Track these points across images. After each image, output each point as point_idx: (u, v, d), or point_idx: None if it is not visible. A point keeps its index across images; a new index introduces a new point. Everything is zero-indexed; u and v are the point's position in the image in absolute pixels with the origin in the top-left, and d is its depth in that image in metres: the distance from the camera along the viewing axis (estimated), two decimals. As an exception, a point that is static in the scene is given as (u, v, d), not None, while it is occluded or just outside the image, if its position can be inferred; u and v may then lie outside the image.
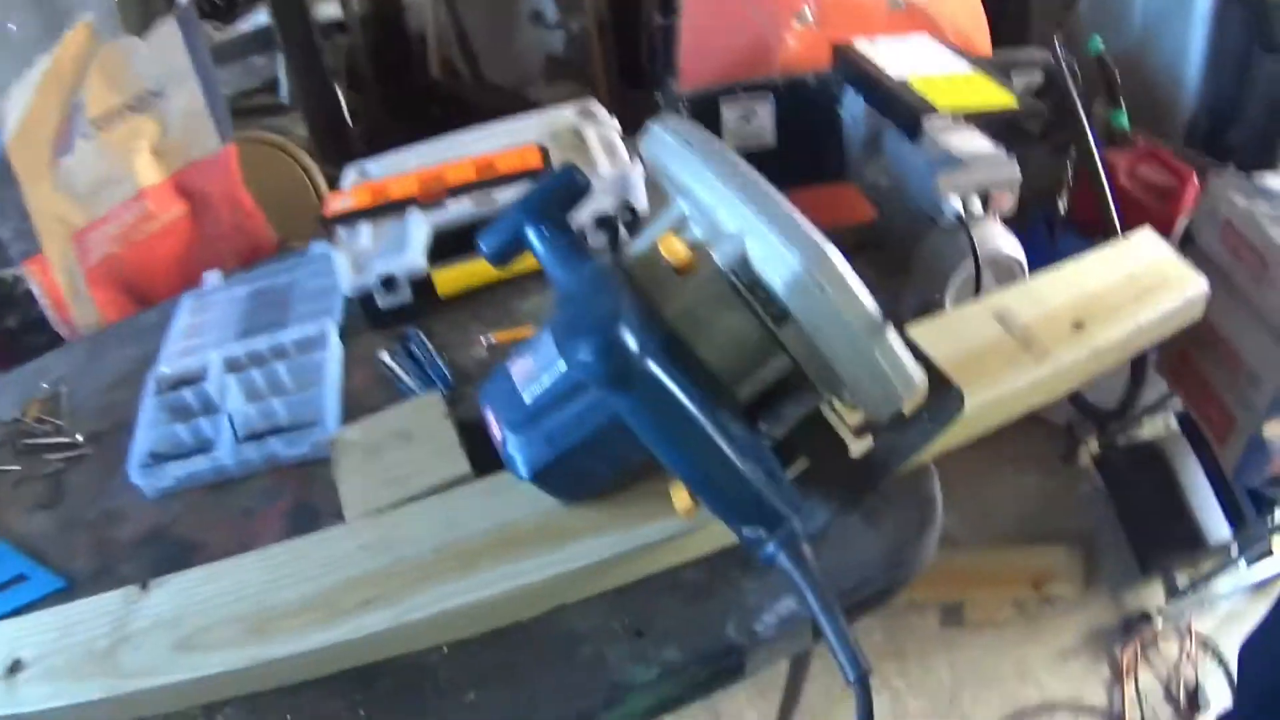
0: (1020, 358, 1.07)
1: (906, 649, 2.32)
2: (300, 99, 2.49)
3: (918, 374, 0.78)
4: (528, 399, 0.82)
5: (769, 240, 0.69)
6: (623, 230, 0.96)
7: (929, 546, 0.98)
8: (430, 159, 1.47)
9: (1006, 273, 1.81)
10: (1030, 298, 1.19)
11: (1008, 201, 1.81)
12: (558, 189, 0.84)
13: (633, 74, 3.45)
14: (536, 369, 0.82)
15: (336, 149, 2.50)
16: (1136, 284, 1.25)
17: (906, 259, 1.90)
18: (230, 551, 0.96)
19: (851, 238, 2.40)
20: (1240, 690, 1.69)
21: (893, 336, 0.74)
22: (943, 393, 0.87)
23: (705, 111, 1.92)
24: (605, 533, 0.89)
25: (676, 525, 0.89)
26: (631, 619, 0.91)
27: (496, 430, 0.85)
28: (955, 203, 1.73)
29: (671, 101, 1.88)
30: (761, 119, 1.99)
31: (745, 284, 0.73)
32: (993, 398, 1.02)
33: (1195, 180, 2.35)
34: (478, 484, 0.96)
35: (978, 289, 1.75)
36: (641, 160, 1.11)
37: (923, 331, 1.10)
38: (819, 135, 2.09)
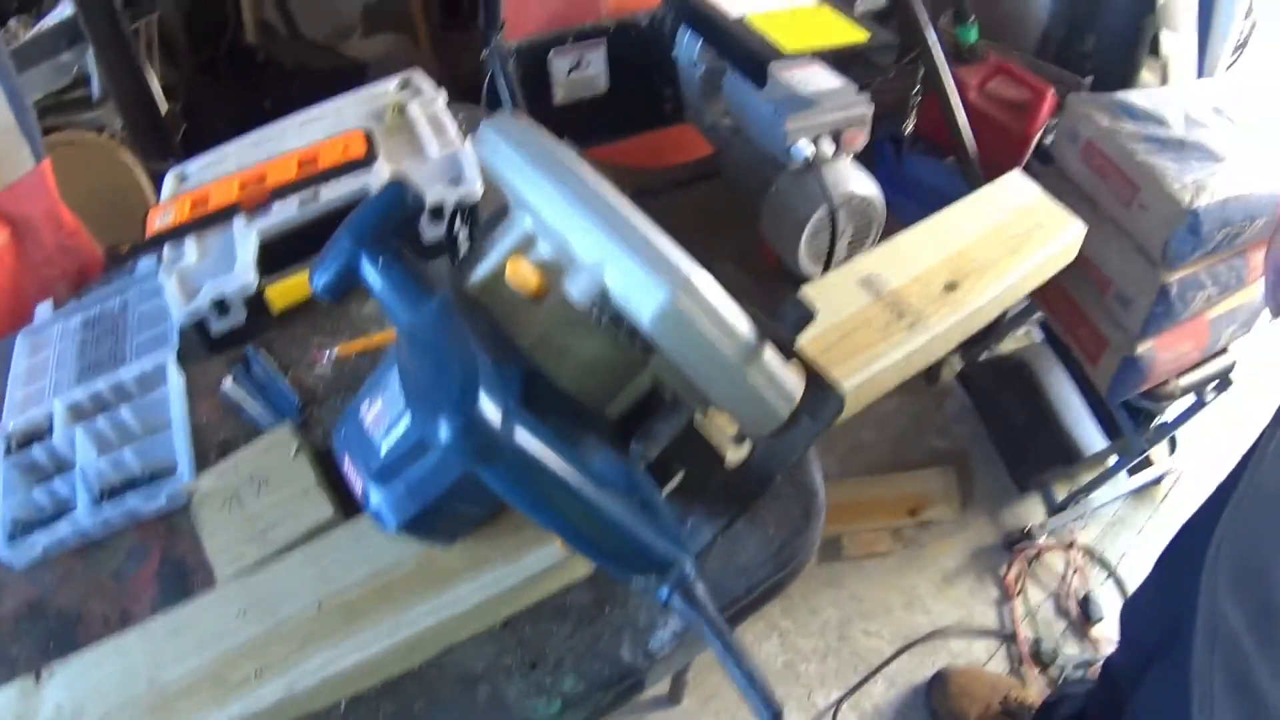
0: (894, 328, 1.06)
1: (789, 589, 2.30)
2: (112, 91, 2.37)
3: (795, 386, 0.76)
4: (384, 450, 0.78)
5: (631, 271, 0.66)
6: (462, 234, 0.91)
7: (815, 536, 0.98)
8: (251, 156, 1.40)
9: (862, 214, 1.81)
10: (898, 260, 1.16)
11: (860, 140, 1.80)
12: (387, 212, 0.79)
13: (453, 13, 3.38)
14: (389, 417, 0.78)
15: (154, 138, 2.40)
16: (1009, 233, 1.24)
17: (754, 201, 1.88)
18: (110, 620, 0.94)
19: (688, 172, 2.40)
20: (1122, 649, 1.72)
21: (768, 356, 0.71)
22: (822, 391, 0.85)
23: (534, 63, 1.90)
24: (486, 569, 0.87)
25: (557, 552, 0.86)
26: (524, 651, 0.90)
27: (357, 481, 0.81)
28: (806, 147, 1.70)
29: (500, 55, 1.85)
30: (594, 66, 1.97)
31: (607, 318, 0.70)
32: (870, 376, 1.01)
33: (1051, 94, 2.37)
34: (346, 528, 0.93)
35: (833, 235, 1.74)
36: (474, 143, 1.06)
37: None
38: (654, 79, 2.07)
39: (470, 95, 2.09)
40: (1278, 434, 0.91)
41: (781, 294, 0.85)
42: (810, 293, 1.09)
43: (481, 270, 0.77)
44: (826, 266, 1.83)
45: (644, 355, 0.72)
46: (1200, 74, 2.96)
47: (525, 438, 0.63)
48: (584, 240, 0.68)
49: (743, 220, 2.02)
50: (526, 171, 0.73)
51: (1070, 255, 1.32)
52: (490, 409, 0.60)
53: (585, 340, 0.74)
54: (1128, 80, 2.81)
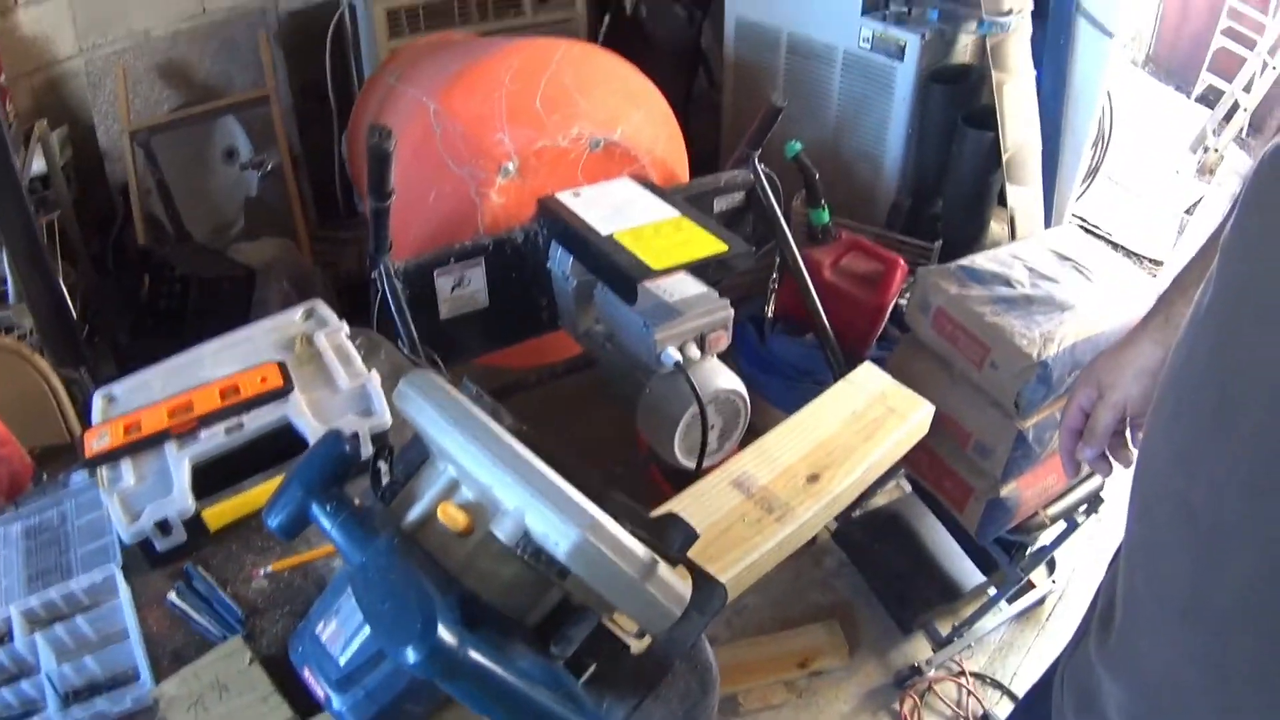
0: (765, 522, 1.26)
1: None
2: (26, 296, 2.51)
3: (685, 589, 0.97)
4: (343, 661, 0.96)
5: (546, 516, 0.86)
6: (382, 465, 1.09)
7: (712, 704, 1.17)
8: (175, 382, 1.57)
9: (729, 406, 2.04)
10: (765, 459, 1.36)
11: (724, 341, 2.04)
12: (329, 463, 0.97)
13: (328, 212, 3.62)
14: (345, 634, 0.96)
15: (65, 344, 2.54)
16: (864, 421, 1.45)
17: (629, 401, 2.08)
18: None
19: (565, 365, 2.58)
20: None
21: (661, 570, 0.92)
22: (707, 588, 1.05)
23: (420, 281, 2.09)
24: None
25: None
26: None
27: (319, 689, 0.98)
28: (674, 353, 1.93)
29: (387, 277, 2.02)
30: (474, 283, 2.17)
31: (529, 553, 0.90)
32: (747, 566, 1.21)
33: (902, 265, 2.63)
34: (303, 729, 1.10)
35: (704, 429, 1.96)
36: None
37: (671, 510, 1.27)
38: (530, 290, 2.28)
39: (352, 294, 2.27)
40: (1112, 567, 1.11)
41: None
42: (689, 496, 1.30)
43: (415, 512, 0.97)
44: (700, 458, 2.02)
45: (559, 578, 0.92)
46: (1048, 223, 3.27)
47: (477, 655, 0.82)
48: (506, 491, 0.88)
49: (616, 408, 2.21)
50: (449, 431, 0.92)
51: (922, 432, 1.52)
52: (449, 635, 0.80)
53: (507, 566, 0.93)
54: (977, 236, 3.09)
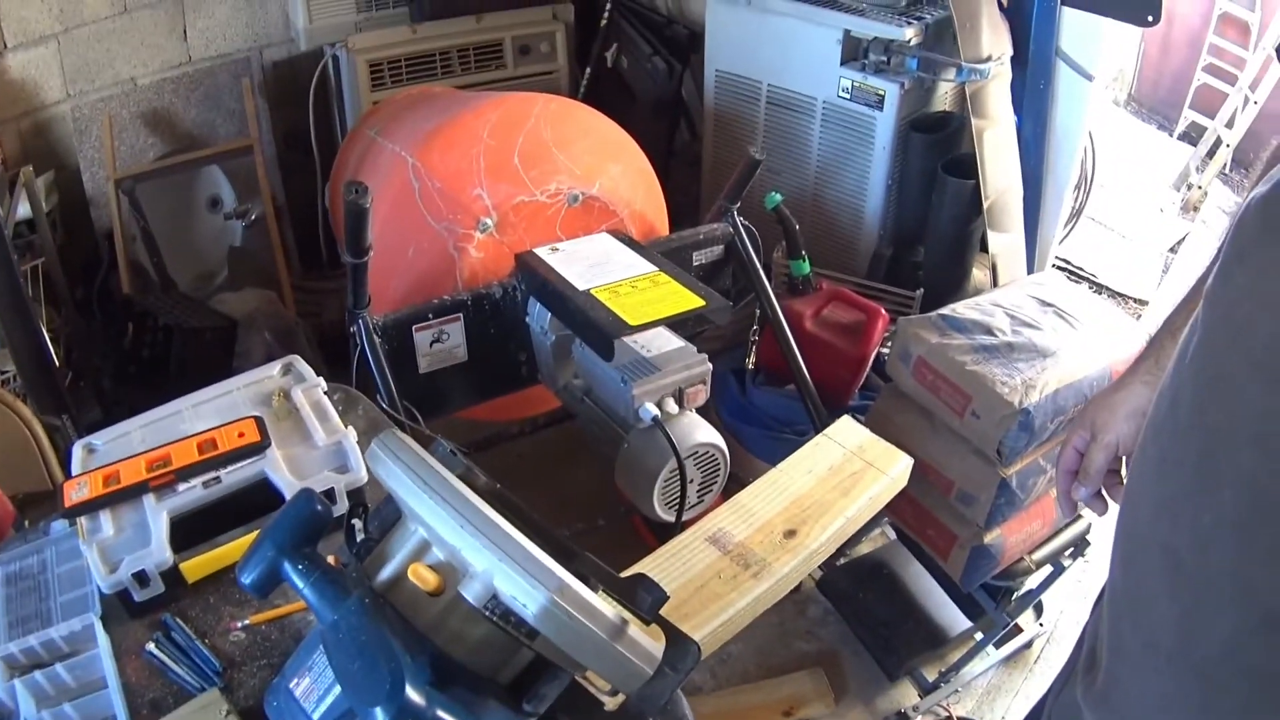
0: (741, 578, 1.28)
1: None
2: (9, 345, 2.53)
3: (656, 648, 0.98)
4: (316, 717, 0.96)
5: (514, 579, 0.87)
6: (356, 523, 1.10)
7: (690, 764, 1.18)
8: (154, 435, 1.59)
9: (708, 460, 2.05)
10: (741, 515, 1.38)
11: (701, 396, 2.06)
12: (301, 523, 0.98)
13: (312, 261, 3.65)
14: (318, 691, 0.97)
15: (48, 392, 2.55)
16: (842, 475, 1.47)
17: (607, 455, 2.10)
18: None
19: (545, 418, 2.59)
20: None
21: (631, 630, 0.93)
22: (681, 646, 1.06)
23: (399, 336, 2.11)
24: None
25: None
26: None
27: None
28: (652, 408, 1.95)
29: (366, 332, 2.04)
30: (453, 338, 2.19)
31: (497, 615, 0.91)
32: (723, 622, 1.23)
33: (883, 314, 2.64)
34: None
35: (683, 483, 1.97)
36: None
37: (647, 568, 1.29)
38: (508, 345, 2.30)
39: (334, 344, 2.28)
40: (1096, 609, 1.13)
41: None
42: (665, 553, 1.32)
43: (387, 571, 0.98)
44: (679, 512, 2.04)
45: (529, 639, 0.93)
46: (1031, 268, 3.28)
47: (446, 715, 0.83)
48: (473, 554, 0.89)
49: (595, 460, 2.23)
50: (417, 493, 0.93)
51: (900, 485, 1.54)
52: (417, 696, 0.81)
53: (477, 626, 0.94)
54: (960, 284, 3.11)
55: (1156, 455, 0.91)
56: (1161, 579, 0.87)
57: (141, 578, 1.37)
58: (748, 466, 2.72)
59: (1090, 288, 4.40)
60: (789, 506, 1.40)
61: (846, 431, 1.56)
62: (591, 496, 2.46)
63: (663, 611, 1.05)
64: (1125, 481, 1.02)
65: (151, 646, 1.34)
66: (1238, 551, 0.78)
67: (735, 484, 1.90)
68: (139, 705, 1.27)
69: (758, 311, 2.58)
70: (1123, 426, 1.28)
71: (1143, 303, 4.34)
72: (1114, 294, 4.40)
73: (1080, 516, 2.41)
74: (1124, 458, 1.31)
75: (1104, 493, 1.35)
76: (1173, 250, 4.63)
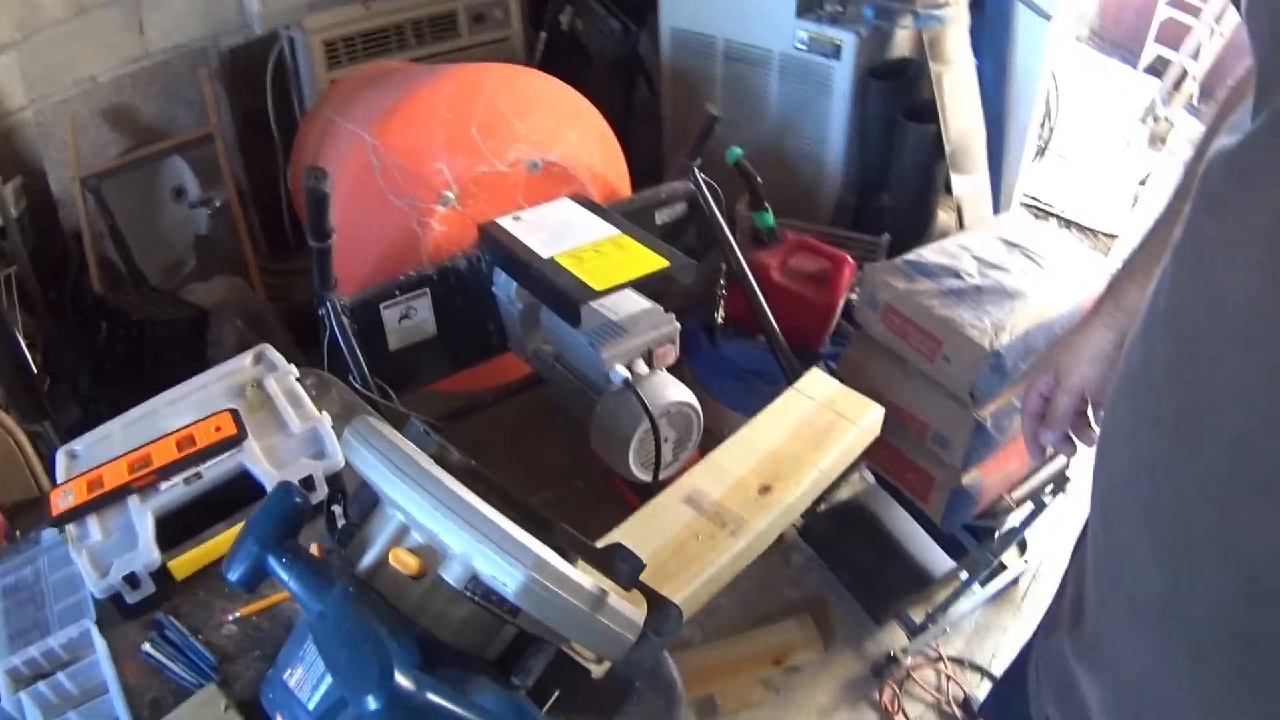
0: (718, 537, 1.30)
1: None
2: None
3: (638, 615, 1.00)
4: (312, 706, 0.98)
5: (492, 559, 0.88)
6: (336, 510, 1.12)
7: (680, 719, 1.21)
8: (133, 435, 1.60)
9: (681, 419, 2.07)
10: (716, 473, 1.41)
11: (671, 355, 2.08)
12: (282, 516, 0.99)
13: (279, 245, 3.65)
14: (311, 680, 0.99)
15: (29, 400, 2.56)
16: (813, 429, 1.49)
17: (581, 420, 2.12)
18: None
19: (519, 384, 2.61)
20: None
21: (611, 600, 0.95)
22: (662, 610, 1.08)
23: (367, 315, 2.12)
24: None
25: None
26: None
27: None
28: (622, 370, 1.96)
29: (334, 314, 2.05)
30: (421, 313, 2.21)
31: (478, 595, 0.93)
32: (704, 582, 1.25)
33: (850, 262, 2.66)
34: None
35: (657, 443, 2.00)
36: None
37: (625, 535, 1.32)
38: (477, 316, 2.32)
39: (305, 326, 2.29)
40: (1077, 555, 1.14)
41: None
42: (642, 516, 1.34)
43: (369, 558, 0.99)
44: (656, 471, 2.06)
45: (511, 616, 0.95)
46: (997, 208, 3.30)
47: (434, 697, 0.85)
48: (451, 537, 0.90)
49: (570, 423, 2.25)
50: (391, 480, 0.94)
51: (873, 434, 1.56)
52: (406, 681, 0.83)
53: (460, 607, 0.96)
54: (925, 227, 3.12)
55: (1131, 411, 0.90)
56: (1144, 540, 0.86)
57: (132, 580, 1.39)
58: (723, 419, 2.73)
59: (1059, 224, 4.42)
60: (763, 462, 1.42)
61: (817, 384, 1.58)
62: (569, 459, 2.48)
63: (643, 575, 1.07)
64: (1099, 434, 1.00)
65: (147, 647, 1.35)
66: (1222, 516, 0.77)
67: (711, 438, 1.92)
68: (140, 707, 1.29)
69: (724, 266, 2.60)
70: (1086, 370, 1.29)
71: (1112, 237, 4.36)
72: (1083, 229, 4.42)
73: (1055, 456, 2.43)
74: (1089, 400, 1.32)
75: (1072, 436, 1.36)
76: (1141, 184, 4.65)
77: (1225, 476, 0.75)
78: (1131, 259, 1.26)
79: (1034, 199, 4.48)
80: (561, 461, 2.86)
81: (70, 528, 1.46)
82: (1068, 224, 4.43)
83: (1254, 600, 0.75)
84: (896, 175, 3.18)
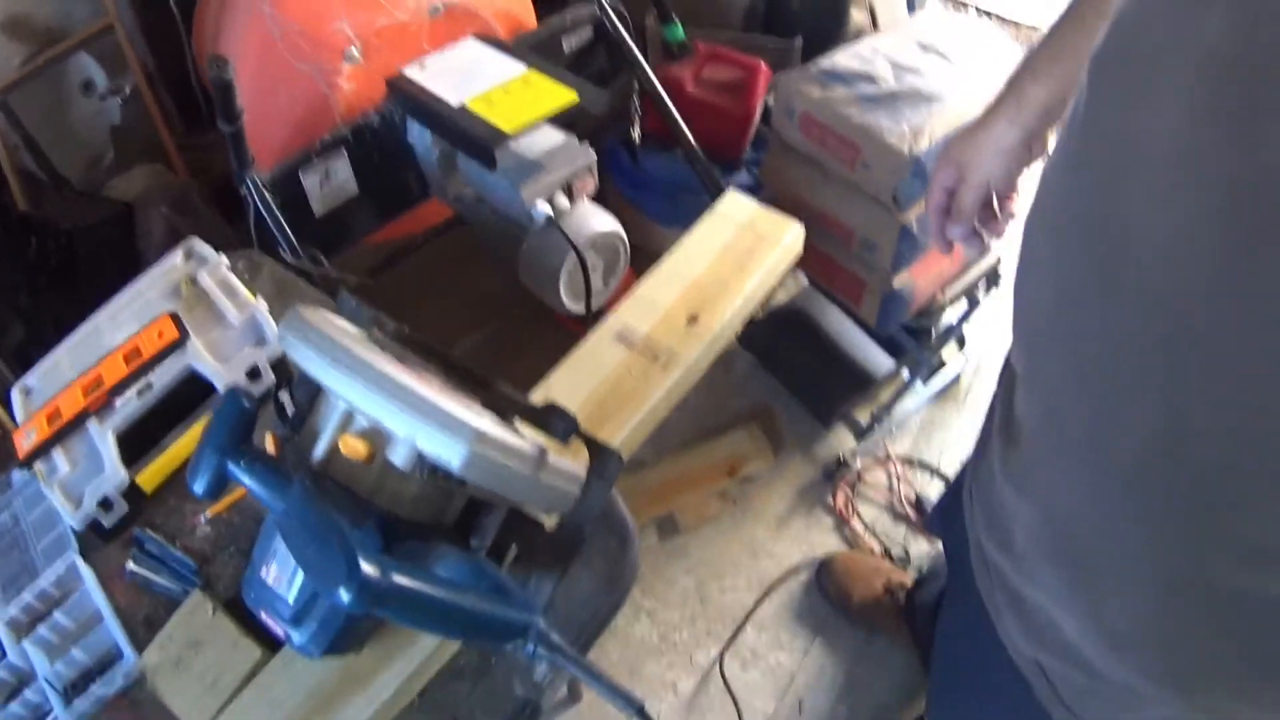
0: (651, 371, 1.34)
1: (640, 572, 2.47)
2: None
3: (579, 468, 1.06)
4: (291, 599, 1.04)
5: (434, 437, 0.93)
6: (284, 396, 1.16)
7: (634, 559, 1.29)
8: (81, 358, 1.62)
9: (607, 247, 2.12)
10: (643, 307, 1.43)
11: (591, 185, 2.11)
12: (234, 423, 1.03)
13: (194, 120, 3.58)
14: (286, 575, 1.04)
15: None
16: (735, 253, 1.51)
17: (509, 258, 2.16)
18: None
19: (445, 223, 2.62)
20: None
21: (551, 459, 1.01)
22: (602, 456, 1.14)
23: (288, 185, 2.13)
24: (395, 659, 1.14)
25: (443, 633, 1.16)
26: (441, 712, 1.19)
27: (278, 628, 1.07)
28: (543, 206, 1.99)
29: (256, 190, 2.06)
30: (341, 174, 2.22)
31: (426, 472, 0.98)
32: (643, 417, 1.30)
33: (764, 69, 2.65)
34: (277, 662, 1.20)
35: (585, 274, 2.04)
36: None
37: (560, 380, 1.35)
38: (395, 168, 2.33)
39: (231, 198, 2.28)
40: (1004, 375, 1.15)
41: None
42: (575, 358, 1.38)
43: (320, 448, 1.04)
44: (587, 301, 2.12)
45: (460, 486, 1.01)
46: (911, 9, 3.27)
47: (400, 578, 0.91)
48: (393, 420, 0.95)
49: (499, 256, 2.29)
50: (331, 371, 0.98)
51: (795, 252, 1.57)
52: (371, 569, 0.88)
53: (411, 484, 1.02)
54: (839, 28, 3.09)
55: (1053, 246, 0.87)
56: (1072, 375, 0.85)
57: (106, 504, 1.43)
58: (651, 235, 2.77)
59: (978, 15, 4.39)
60: (688, 291, 1.44)
61: (735, 205, 1.59)
62: (505, 290, 2.49)
63: (583, 418, 1.13)
64: (1017, 260, 0.96)
65: (131, 565, 1.40)
66: (1145, 364, 0.75)
67: (644, 255, 1.95)
68: (135, 626, 1.34)
69: (637, 84, 2.60)
70: (990, 165, 1.31)
71: (1034, 29, 4.34)
72: (1004, 21, 4.39)
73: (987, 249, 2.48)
74: (995, 194, 1.35)
75: (979, 229, 1.38)
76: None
77: (1145, 329, 0.74)
78: (1033, 57, 1.27)
79: (951, -9, 4.45)
80: (497, 293, 2.89)
81: (39, 465, 1.49)
82: (987, 15, 4.40)
83: (1180, 443, 0.75)
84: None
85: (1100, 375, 0.80)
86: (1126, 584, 0.87)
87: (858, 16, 3.17)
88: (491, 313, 3.01)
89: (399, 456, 0.97)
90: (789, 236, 1.55)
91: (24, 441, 1.51)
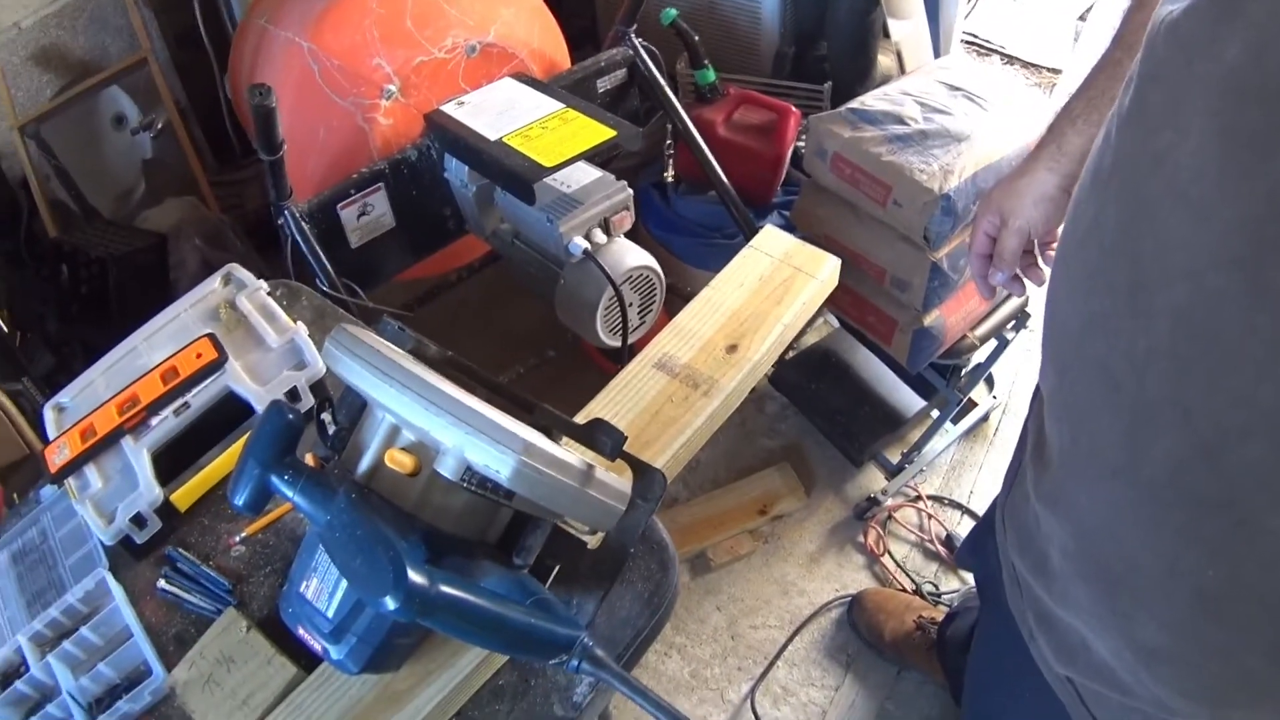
0: (692, 399, 1.34)
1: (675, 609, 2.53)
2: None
3: (625, 485, 1.06)
4: (330, 613, 1.04)
5: (484, 449, 0.93)
6: (326, 417, 1.16)
7: (674, 578, 1.28)
8: (116, 378, 1.62)
9: (644, 283, 2.12)
10: (682, 337, 1.44)
11: (627, 221, 2.13)
12: (278, 435, 1.02)
13: (226, 155, 3.62)
14: (327, 589, 1.04)
15: (2, 358, 2.57)
16: (772, 285, 1.51)
17: (545, 294, 2.18)
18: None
19: (481, 260, 2.64)
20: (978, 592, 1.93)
21: (598, 473, 1.00)
22: (647, 476, 1.14)
23: (326, 218, 2.14)
24: (432, 678, 1.13)
25: (482, 651, 1.14)
26: (476, 734, 1.17)
27: (316, 644, 1.07)
28: (581, 241, 2.00)
29: (294, 222, 2.07)
30: (378, 208, 2.23)
31: (474, 484, 0.98)
32: (683, 443, 1.30)
33: (794, 112, 2.68)
34: (312, 680, 1.18)
35: (622, 309, 2.04)
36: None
37: (601, 406, 1.36)
38: (432, 203, 2.35)
39: (263, 231, 2.30)
40: (1036, 400, 1.18)
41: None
42: (616, 386, 1.38)
43: (365, 462, 1.04)
44: (624, 336, 2.13)
45: (507, 500, 1.00)
46: (936, 53, 3.30)
47: (447, 587, 0.90)
48: (442, 432, 0.95)
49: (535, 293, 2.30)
50: (379, 385, 0.98)
51: (831, 285, 1.57)
52: (419, 578, 0.87)
53: (458, 497, 1.02)
54: (867, 72, 3.12)
55: (1083, 270, 0.89)
56: (1100, 395, 0.86)
57: (139, 520, 1.42)
58: (685, 276, 2.81)
59: (1001, 61, 4.43)
60: (727, 322, 1.44)
61: (772, 240, 1.60)
62: (540, 328, 2.53)
63: (625, 445, 1.13)
64: (1049, 286, 1.00)
65: (162, 583, 1.39)
66: (1175, 380, 0.76)
67: (675, 296, 1.98)
68: (165, 644, 1.33)
69: (670, 126, 2.63)
70: (1031, 212, 1.34)
71: (1056, 71, 4.38)
72: (1026, 65, 4.43)
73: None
74: (1035, 241, 1.38)
75: (1020, 275, 1.42)
76: (1081, 18, 4.65)
77: (1177, 346, 0.75)
78: (1071, 104, 1.29)
79: (974, 36, 4.48)
80: (533, 331, 2.92)
81: (70, 481, 1.48)
82: (1010, 60, 4.44)
83: (1205, 461, 0.76)
84: (833, 22, 3.14)
85: (1130, 393, 0.81)
86: (1159, 599, 0.88)
87: (885, 62, 3.21)
88: (527, 350, 3.02)
89: (447, 468, 0.96)
90: (826, 269, 1.55)
91: (56, 457, 1.50)
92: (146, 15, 3.38)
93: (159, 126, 3.38)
